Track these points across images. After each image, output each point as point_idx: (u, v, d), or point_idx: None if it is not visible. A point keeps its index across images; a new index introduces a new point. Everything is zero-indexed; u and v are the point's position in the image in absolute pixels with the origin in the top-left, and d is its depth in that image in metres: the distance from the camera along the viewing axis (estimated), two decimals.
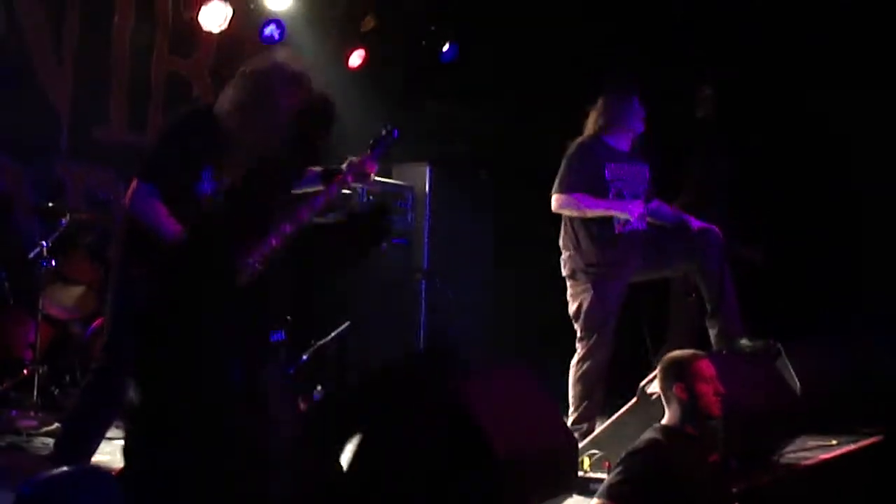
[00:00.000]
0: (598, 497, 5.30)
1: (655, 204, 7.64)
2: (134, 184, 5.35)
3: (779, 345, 7.35)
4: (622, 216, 7.33)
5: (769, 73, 10.66)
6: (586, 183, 7.40)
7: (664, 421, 5.51)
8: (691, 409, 5.43)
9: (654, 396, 6.46)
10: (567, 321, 7.55)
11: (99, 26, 9.88)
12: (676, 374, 5.49)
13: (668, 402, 5.53)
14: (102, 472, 2.97)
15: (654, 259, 7.55)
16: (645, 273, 7.64)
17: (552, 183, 7.49)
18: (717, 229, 7.54)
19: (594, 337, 7.40)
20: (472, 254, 11.25)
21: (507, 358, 8.27)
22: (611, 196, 7.39)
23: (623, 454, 5.36)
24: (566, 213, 7.47)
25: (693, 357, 5.61)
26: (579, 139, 7.58)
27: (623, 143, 7.56)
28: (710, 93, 9.56)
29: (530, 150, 11.97)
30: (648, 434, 5.45)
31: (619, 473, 5.27)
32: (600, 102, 7.60)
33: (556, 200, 7.44)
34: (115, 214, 9.37)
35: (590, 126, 7.60)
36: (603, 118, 7.55)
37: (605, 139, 7.53)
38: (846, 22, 10.09)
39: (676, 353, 5.72)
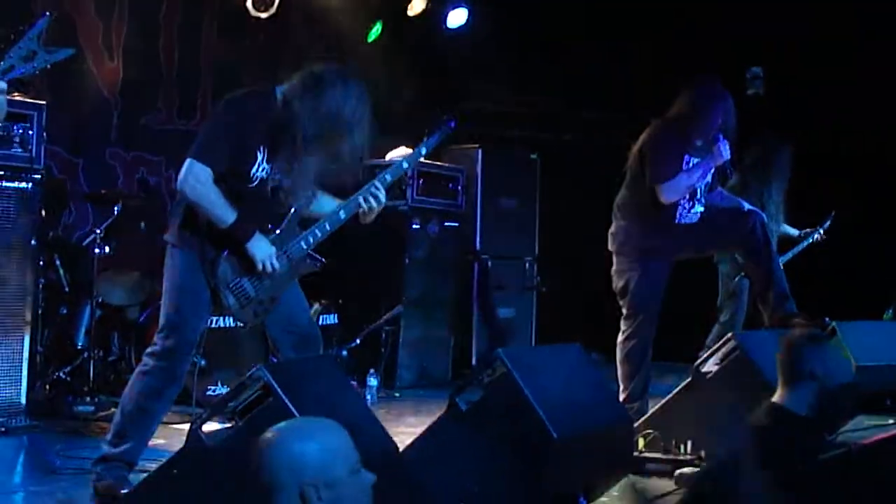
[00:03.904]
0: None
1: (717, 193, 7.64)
2: (186, 164, 5.32)
3: (833, 323, 7.31)
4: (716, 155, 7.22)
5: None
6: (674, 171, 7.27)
7: (780, 401, 5.14)
8: (821, 389, 5.19)
9: (708, 376, 6.47)
10: (615, 300, 7.54)
11: (147, 16, 9.95)
12: (811, 355, 5.24)
13: (790, 383, 5.10)
14: (332, 423, 3.09)
15: (703, 241, 7.58)
16: (693, 252, 7.66)
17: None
18: (761, 212, 7.56)
19: (640, 314, 7.40)
20: (519, 234, 11.25)
21: (558, 337, 8.27)
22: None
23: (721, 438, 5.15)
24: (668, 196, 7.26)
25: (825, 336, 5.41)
26: (660, 126, 7.41)
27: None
28: (759, 72, 9.51)
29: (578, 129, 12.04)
30: (758, 418, 5.20)
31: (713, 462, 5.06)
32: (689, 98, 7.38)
33: (663, 190, 7.19)
34: (166, 199, 9.49)
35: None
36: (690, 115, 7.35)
37: (681, 126, 7.35)
38: None
39: (806, 331, 5.53)
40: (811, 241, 9.70)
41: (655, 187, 7.22)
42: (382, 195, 5.67)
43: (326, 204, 5.73)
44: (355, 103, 5.37)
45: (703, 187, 7.43)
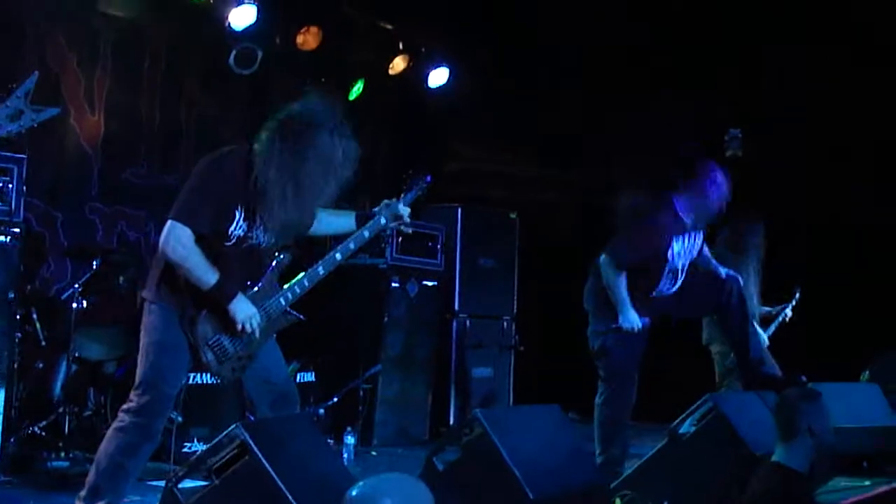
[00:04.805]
0: None
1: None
2: (168, 225, 5.33)
3: (809, 384, 7.32)
4: (623, 320, 7.20)
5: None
6: (643, 262, 7.22)
7: (780, 459, 5.23)
8: (817, 445, 5.22)
9: (685, 437, 6.47)
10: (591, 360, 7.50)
11: (130, 71, 9.97)
12: (808, 412, 5.29)
13: (788, 440, 5.23)
14: (413, 479, 3.11)
15: (680, 307, 7.51)
16: (671, 314, 7.62)
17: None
18: (738, 277, 7.56)
19: (618, 377, 7.34)
20: (498, 293, 11.25)
21: (535, 397, 8.26)
22: (665, 272, 7.29)
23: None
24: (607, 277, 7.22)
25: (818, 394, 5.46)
26: (652, 204, 7.36)
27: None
28: (737, 133, 9.57)
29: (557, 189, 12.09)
30: (769, 482, 5.19)
31: None
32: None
33: (610, 269, 7.18)
34: (145, 255, 9.47)
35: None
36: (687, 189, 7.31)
37: (677, 204, 7.30)
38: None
39: (801, 389, 5.59)
40: (784, 317, 9.75)
41: (610, 260, 7.17)
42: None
43: (331, 221, 5.82)
44: (328, 139, 5.39)
45: (685, 266, 7.41)
